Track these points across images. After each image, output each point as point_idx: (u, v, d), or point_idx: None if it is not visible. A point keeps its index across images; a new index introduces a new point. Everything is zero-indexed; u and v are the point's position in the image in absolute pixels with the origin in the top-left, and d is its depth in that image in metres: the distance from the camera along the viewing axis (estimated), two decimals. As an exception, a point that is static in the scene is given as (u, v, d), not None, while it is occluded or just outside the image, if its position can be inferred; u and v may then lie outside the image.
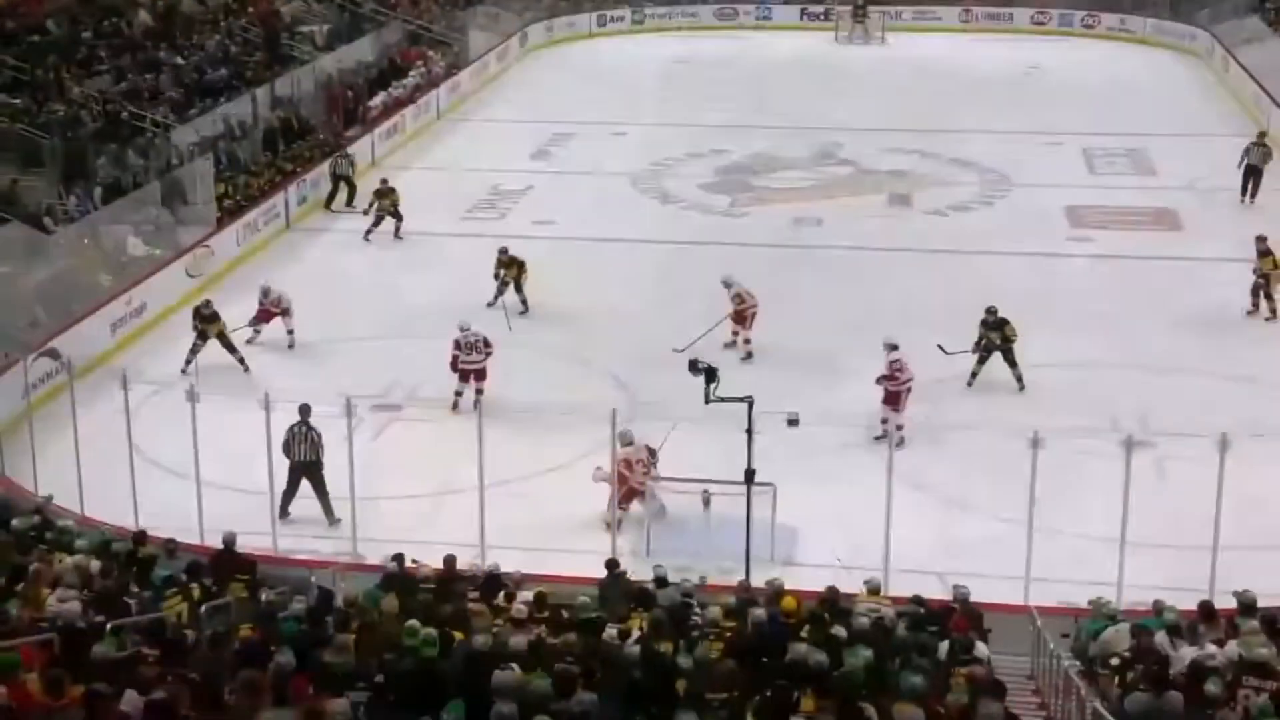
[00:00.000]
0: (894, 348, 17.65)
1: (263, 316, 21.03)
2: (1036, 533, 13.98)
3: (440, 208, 27.34)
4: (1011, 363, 18.90)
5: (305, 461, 15.67)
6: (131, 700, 7.99)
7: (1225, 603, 12.11)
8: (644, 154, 31.48)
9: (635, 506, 15.87)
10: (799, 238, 26.04)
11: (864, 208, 27.99)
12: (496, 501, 14.80)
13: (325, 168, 28.20)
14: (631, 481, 15.70)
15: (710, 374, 13.91)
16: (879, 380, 17.46)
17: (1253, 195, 26.07)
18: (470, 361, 18.38)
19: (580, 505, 15.69)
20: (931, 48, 42.20)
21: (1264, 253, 21.16)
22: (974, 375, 18.88)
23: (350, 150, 28.87)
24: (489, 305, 21.74)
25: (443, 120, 35.34)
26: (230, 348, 19.91)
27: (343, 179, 27.97)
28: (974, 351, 18.91)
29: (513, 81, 40.04)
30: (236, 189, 26.57)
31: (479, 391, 18.10)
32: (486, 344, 18.56)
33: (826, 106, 35.13)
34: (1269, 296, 21.17)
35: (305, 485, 15.88)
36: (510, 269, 22.41)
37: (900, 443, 15.31)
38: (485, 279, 22.62)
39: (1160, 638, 11.06)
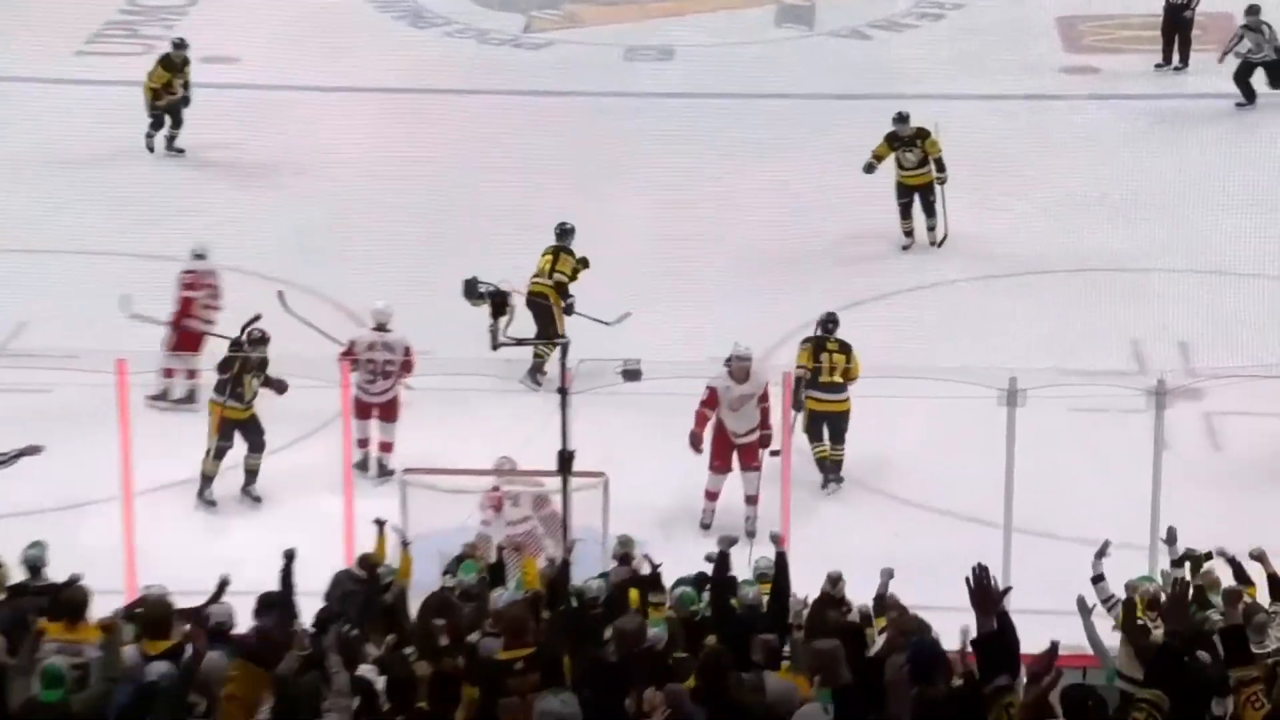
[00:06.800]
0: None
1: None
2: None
3: (40, 36, 25.94)
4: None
5: None
6: None
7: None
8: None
9: None
10: (635, 80, 25.82)
11: (739, 29, 27.70)
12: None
13: None
14: None
15: (499, 303, 14.28)
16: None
17: (1183, 57, 25.49)
18: (372, 390, 17.04)
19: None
20: None
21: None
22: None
23: None
24: None
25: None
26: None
27: None
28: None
29: None
30: None
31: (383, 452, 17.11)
32: (406, 351, 17.11)
33: None
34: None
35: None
36: None
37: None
38: (127, 141, 22.70)
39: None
